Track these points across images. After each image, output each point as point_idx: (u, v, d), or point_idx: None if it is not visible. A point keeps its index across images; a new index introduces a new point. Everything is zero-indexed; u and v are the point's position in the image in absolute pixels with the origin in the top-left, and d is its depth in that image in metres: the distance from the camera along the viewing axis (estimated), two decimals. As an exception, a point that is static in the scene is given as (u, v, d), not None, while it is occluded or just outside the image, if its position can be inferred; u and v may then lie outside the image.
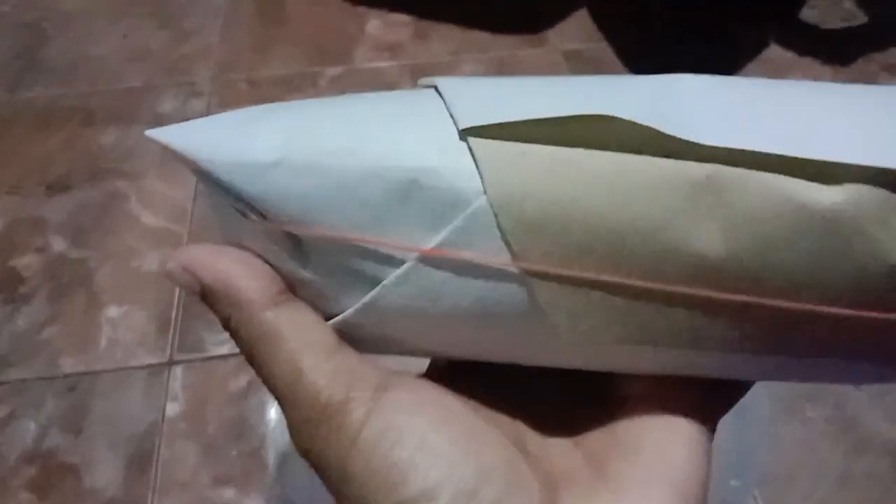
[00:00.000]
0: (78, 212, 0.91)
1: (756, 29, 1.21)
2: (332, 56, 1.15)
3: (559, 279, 0.18)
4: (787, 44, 1.18)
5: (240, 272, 0.20)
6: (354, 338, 0.21)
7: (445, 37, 1.19)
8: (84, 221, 0.90)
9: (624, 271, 0.17)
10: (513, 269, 0.18)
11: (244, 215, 0.21)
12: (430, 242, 0.19)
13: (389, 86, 1.09)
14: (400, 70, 1.12)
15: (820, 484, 0.68)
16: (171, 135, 0.22)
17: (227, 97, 1.07)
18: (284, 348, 0.19)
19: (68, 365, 0.76)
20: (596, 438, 0.21)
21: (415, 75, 1.11)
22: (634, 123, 0.18)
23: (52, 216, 0.91)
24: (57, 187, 0.94)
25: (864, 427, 0.72)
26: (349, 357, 0.19)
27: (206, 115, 0.93)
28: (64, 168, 0.97)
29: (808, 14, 1.26)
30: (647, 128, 0.18)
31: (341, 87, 1.09)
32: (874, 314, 0.17)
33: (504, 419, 0.21)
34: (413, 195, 0.19)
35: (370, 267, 0.19)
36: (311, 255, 0.20)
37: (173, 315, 0.80)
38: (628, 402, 0.21)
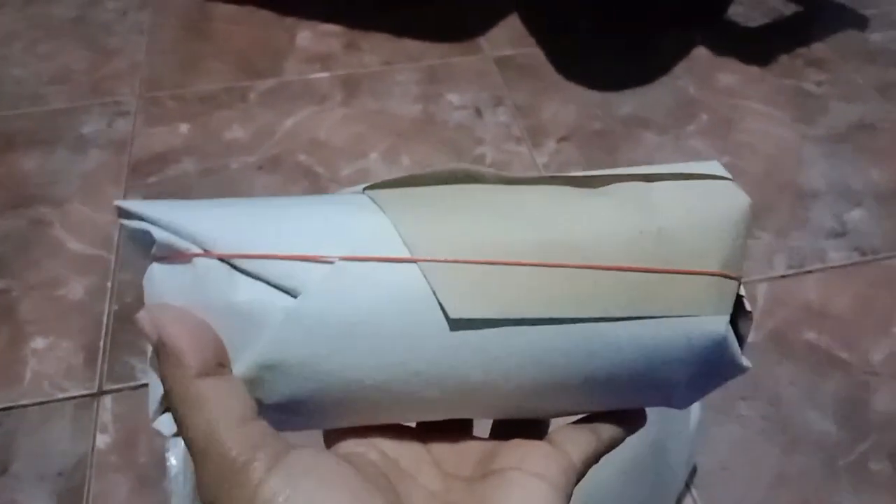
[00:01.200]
0: (-1, 241, 0.88)
1: (682, 31, 1.23)
2: (261, 69, 1.13)
3: (444, 265, 0.23)
4: (713, 44, 1.20)
5: (187, 338, 0.22)
6: (282, 391, 0.24)
7: (377, 46, 1.18)
8: (6, 250, 0.87)
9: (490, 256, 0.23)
10: (411, 261, 0.23)
11: (182, 258, 0.24)
12: (347, 253, 0.23)
13: (321, 97, 1.08)
14: (332, 81, 1.11)
15: (756, 483, 0.69)
16: (129, 203, 0.25)
17: (154, 115, 1.05)
18: (204, 412, 0.22)
19: (-9, 401, 0.73)
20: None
21: (347, 86, 1.10)
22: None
23: (-28, 246, 0.87)
24: (-25, 216, 0.91)
25: (797, 424, 0.73)
26: (259, 426, 0.22)
27: (133, 134, 0.91)
28: (-17, 195, 0.93)
29: (733, 12, 1.28)
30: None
31: (272, 100, 1.08)
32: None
33: (387, 484, 0.24)
34: (333, 228, 0.24)
35: (297, 277, 0.23)
36: (243, 279, 0.23)
37: (101, 344, 0.78)
38: (499, 473, 0.25)
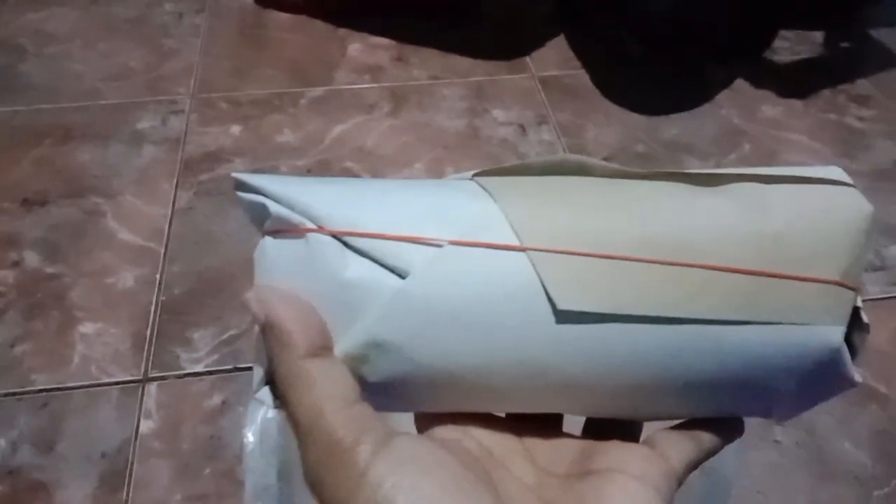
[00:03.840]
0: (54, 228, 0.91)
1: (727, 63, 1.24)
2: (312, 77, 1.16)
3: (553, 255, 0.23)
4: (757, 76, 1.21)
5: (294, 320, 0.23)
6: (384, 370, 0.24)
7: (425, 61, 1.21)
8: (60, 238, 0.90)
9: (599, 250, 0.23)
10: (520, 249, 0.23)
11: (295, 233, 0.25)
12: (456, 237, 0.24)
13: (370, 107, 1.11)
14: (380, 92, 1.14)
15: (789, 506, 0.70)
16: (245, 175, 0.27)
17: (207, 116, 1.08)
18: (311, 392, 0.22)
19: (41, 381, 0.75)
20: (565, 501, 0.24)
21: (395, 97, 1.13)
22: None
23: (28, 232, 0.90)
24: (33, 203, 0.94)
25: (832, 454, 0.73)
26: (364, 409, 0.23)
27: (186, 132, 0.94)
28: (41, 184, 0.96)
29: (778, 45, 1.29)
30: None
31: (322, 107, 1.10)
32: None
33: (484, 473, 0.24)
34: (442, 212, 0.24)
35: (406, 258, 0.23)
36: (353, 257, 0.24)
37: (148, 332, 0.80)
38: (598, 473, 0.24)
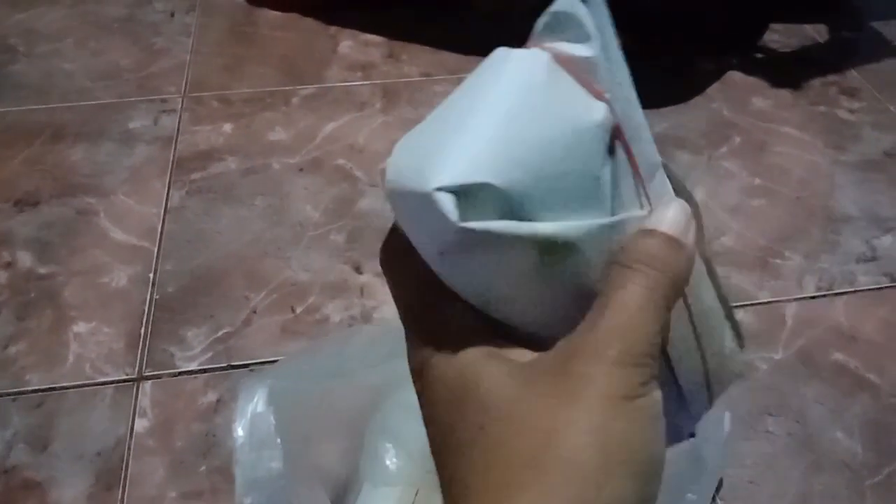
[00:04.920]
0: (46, 227, 0.91)
1: (718, 55, 1.24)
2: (304, 75, 1.16)
3: None
4: (748, 69, 1.22)
5: None
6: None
7: (416, 58, 1.21)
8: (52, 237, 0.90)
9: None
10: None
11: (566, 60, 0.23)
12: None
13: (361, 104, 1.11)
14: (372, 89, 1.14)
15: (782, 499, 0.70)
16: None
17: (199, 114, 1.08)
18: None
19: (35, 381, 0.75)
20: None
21: (387, 94, 1.13)
22: None
23: (20, 231, 0.90)
24: (25, 203, 0.94)
25: (823, 443, 0.74)
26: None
27: (178, 131, 0.94)
28: (32, 183, 0.96)
29: (768, 38, 1.30)
30: None
31: (314, 105, 1.10)
32: None
33: None
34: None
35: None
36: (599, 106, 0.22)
37: (142, 331, 0.80)
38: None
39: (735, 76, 1.20)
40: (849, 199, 0.99)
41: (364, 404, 0.57)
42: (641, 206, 0.23)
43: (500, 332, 0.23)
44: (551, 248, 0.21)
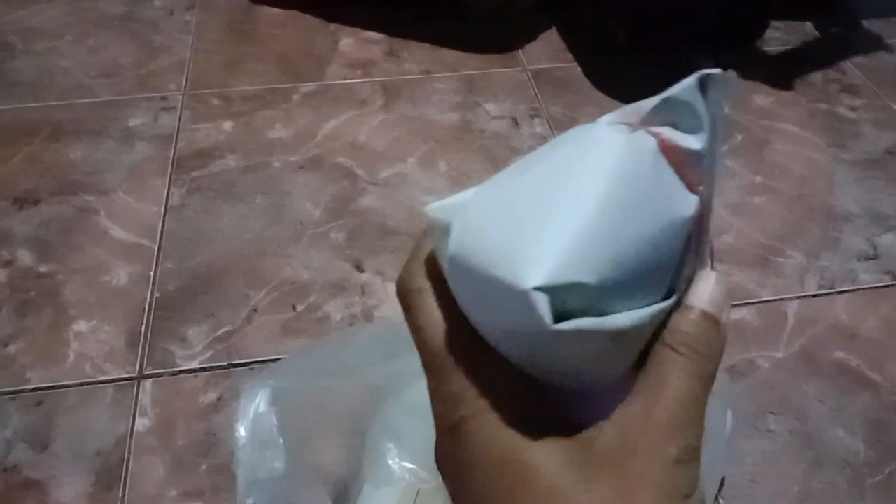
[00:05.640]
0: (46, 226, 0.90)
1: (718, 52, 1.24)
2: (304, 72, 1.16)
3: None
4: (748, 66, 1.22)
5: None
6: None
7: (417, 55, 1.20)
8: (52, 235, 0.89)
9: None
10: None
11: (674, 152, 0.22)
12: None
13: (362, 102, 1.10)
14: (372, 87, 1.14)
15: (783, 497, 0.70)
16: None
17: (199, 112, 1.07)
18: None
19: (35, 379, 0.75)
20: None
21: (387, 92, 1.13)
22: None
23: (20, 230, 0.90)
24: (25, 201, 0.93)
25: (825, 441, 0.74)
26: None
27: (178, 129, 0.93)
28: (31, 182, 0.96)
29: (769, 35, 1.29)
30: None
31: (314, 102, 1.10)
32: None
33: None
34: None
35: None
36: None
37: (142, 330, 0.80)
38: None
39: (735, 74, 1.20)
40: (850, 197, 0.99)
41: (365, 404, 0.57)
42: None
43: (537, 388, 0.22)
44: (624, 334, 0.21)
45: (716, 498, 0.69)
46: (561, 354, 0.21)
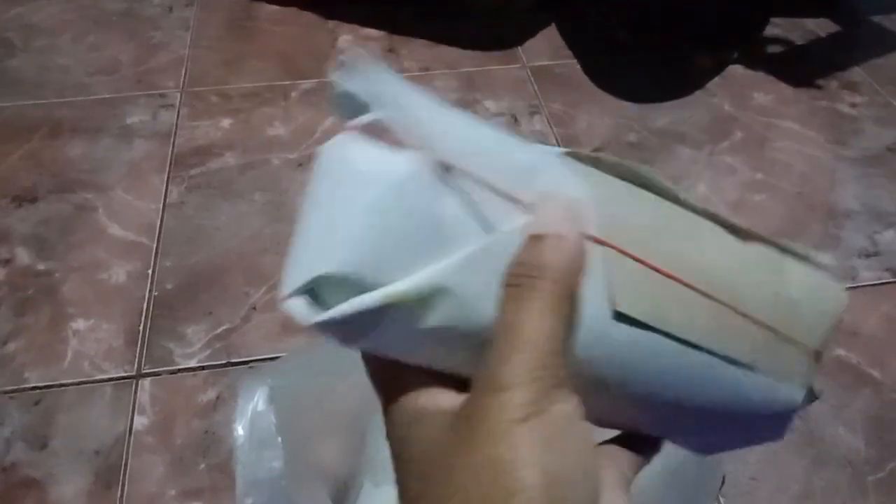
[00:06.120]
0: (44, 224, 0.90)
1: (718, 49, 1.24)
2: (303, 69, 1.15)
3: (624, 259, 0.24)
4: (748, 63, 1.21)
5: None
6: (439, 320, 0.23)
7: (416, 52, 1.20)
8: (50, 233, 0.89)
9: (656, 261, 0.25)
10: (602, 243, 0.24)
11: (395, 144, 0.23)
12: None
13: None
14: (371, 84, 1.13)
15: (784, 495, 0.70)
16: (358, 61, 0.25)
17: (198, 109, 1.07)
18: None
19: (33, 378, 0.75)
20: None
21: (385, 90, 1.12)
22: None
23: (18, 228, 0.89)
24: (23, 198, 0.93)
25: (826, 439, 0.73)
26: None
27: (177, 126, 0.93)
28: (30, 179, 0.96)
29: (769, 32, 1.29)
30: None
31: (313, 99, 1.10)
32: None
33: None
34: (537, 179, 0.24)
35: (499, 214, 0.23)
36: (449, 193, 0.23)
37: (141, 328, 0.80)
38: None
39: (736, 71, 1.20)
40: (850, 194, 0.99)
41: (365, 403, 0.57)
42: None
43: (450, 383, 0.24)
44: (426, 302, 0.22)
45: (717, 496, 0.69)
46: (388, 336, 0.23)
